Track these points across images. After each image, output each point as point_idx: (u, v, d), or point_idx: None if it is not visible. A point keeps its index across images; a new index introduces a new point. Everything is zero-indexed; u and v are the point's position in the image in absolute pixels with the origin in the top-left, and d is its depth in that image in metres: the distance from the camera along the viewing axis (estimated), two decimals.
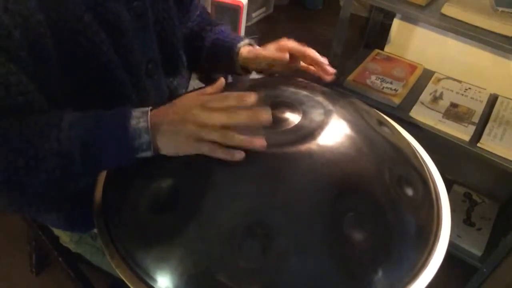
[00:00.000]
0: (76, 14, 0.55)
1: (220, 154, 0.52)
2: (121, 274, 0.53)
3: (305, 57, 0.76)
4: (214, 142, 0.52)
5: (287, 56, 0.74)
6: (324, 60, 0.75)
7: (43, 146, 0.50)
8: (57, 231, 0.85)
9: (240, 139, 0.52)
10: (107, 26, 0.59)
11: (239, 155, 0.52)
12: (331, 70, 0.75)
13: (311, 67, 0.79)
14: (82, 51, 0.57)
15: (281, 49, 0.75)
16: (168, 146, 0.53)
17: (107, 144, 0.52)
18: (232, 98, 0.54)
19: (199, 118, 0.52)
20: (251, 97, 0.54)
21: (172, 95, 0.79)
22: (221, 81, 0.58)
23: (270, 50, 0.77)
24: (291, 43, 0.76)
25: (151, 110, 0.54)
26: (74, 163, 0.51)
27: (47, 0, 0.52)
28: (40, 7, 0.51)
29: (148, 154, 0.54)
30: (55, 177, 0.51)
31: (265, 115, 0.53)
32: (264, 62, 0.78)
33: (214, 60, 0.85)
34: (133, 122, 0.52)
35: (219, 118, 0.52)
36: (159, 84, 0.74)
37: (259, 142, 0.53)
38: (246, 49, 0.80)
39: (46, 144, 0.50)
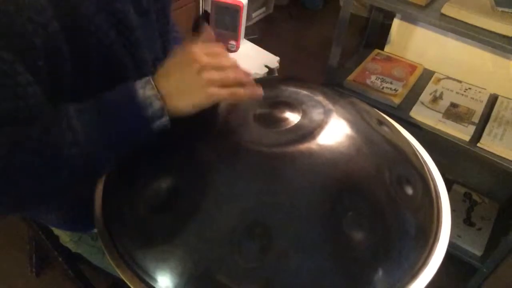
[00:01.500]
0: (88, 17, 0.55)
1: (242, 93, 0.53)
2: (121, 274, 0.53)
3: None
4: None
5: None
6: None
7: (58, 140, 0.49)
8: (57, 231, 0.85)
9: (242, 75, 0.54)
10: (117, 25, 0.59)
11: (260, 91, 0.55)
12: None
13: None
14: (95, 52, 0.57)
15: None
16: (184, 105, 0.52)
17: (123, 120, 0.51)
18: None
19: (208, 63, 0.52)
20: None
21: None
22: (208, 31, 0.60)
23: None
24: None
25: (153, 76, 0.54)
26: (94, 148, 0.50)
27: (61, 7, 0.51)
28: (55, 15, 0.51)
29: (164, 121, 0.52)
30: (78, 168, 0.50)
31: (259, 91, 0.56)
32: None
33: None
34: (140, 91, 0.51)
35: (227, 60, 0.54)
36: None
37: (258, 90, 0.56)
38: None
39: (59, 136, 0.49)
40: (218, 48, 0.56)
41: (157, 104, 0.51)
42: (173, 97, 0.52)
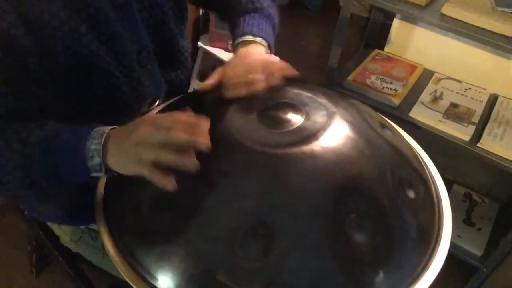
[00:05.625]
0: (51, 11, 0.56)
1: (155, 179, 0.51)
2: (122, 273, 0.53)
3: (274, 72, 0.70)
4: (156, 165, 0.51)
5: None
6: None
7: (9, 156, 0.54)
8: (57, 231, 0.85)
9: (172, 158, 0.51)
10: (89, 20, 0.59)
11: (171, 185, 0.51)
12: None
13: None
14: (63, 47, 0.58)
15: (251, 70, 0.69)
16: (118, 167, 0.54)
17: (65, 162, 0.55)
18: (180, 115, 0.54)
19: (141, 136, 0.52)
20: (201, 122, 0.53)
21: (170, 88, 0.79)
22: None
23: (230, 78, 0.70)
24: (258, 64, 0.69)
25: (113, 128, 0.55)
26: (37, 175, 0.55)
27: (21, 4, 0.53)
28: (12, 8, 0.53)
29: (100, 174, 0.55)
30: (23, 184, 0.55)
31: (205, 140, 0.52)
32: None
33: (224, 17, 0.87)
34: (88, 143, 0.53)
35: (157, 136, 0.51)
36: (154, 75, 0.74)
37: (190, 162, 0.51)
38: (238, 50, 0.75)
39: (11, 155, 0.54)
40: (174, 115, 0.54)
41: (97, 160, 0.53)
42: (112, 162, 0.54)
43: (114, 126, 0.56)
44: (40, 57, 0.57)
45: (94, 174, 0.55)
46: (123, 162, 0.53)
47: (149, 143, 0.51)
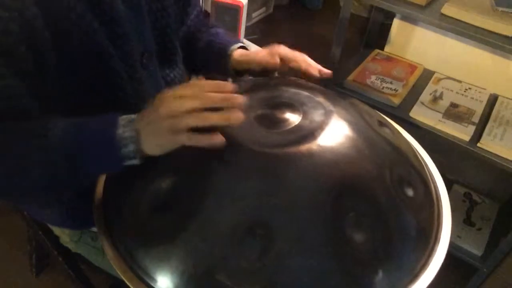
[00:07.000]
0: (69, 4, 0.55)
1: (199, 140, 0.50)
2: (121, 274, 0.53)
3: (296, 62, 0.75)
4: (193, 130, 0.51)
5: (278, 61, 0.74)
6: (315, 65, 0.75)
7: (30, 154, 0.52)
8: (57, 231, 0.85)
9: (216, 116, 0.50)
10: (102, 17, 0.59)
11: (219, 140, 0.51)
12: (326, 71, 0.75)
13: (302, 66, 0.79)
14: (77, 42, 0.57)
15: (273, 55, 0.75)
16: (152, 148, 0.53)
17: (93, 153, 0.53)
18: (204, 83, 0.53)
19: (172, 107, 0.51)
20: (226, 85, 0.53)
21: (168, 88, 0.80)
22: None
23: (262, 55, 0.76)
24: (282, 49, 0.76)
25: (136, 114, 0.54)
26: (61, 171, 0.52)
27: None
28: (34, 0, 0.52)
29: (135, 162, 0.53)
30: (43, 183, 0.53)
31: (239, 99, 0.52)
32: (257, 67, 0.78)
33: (208, 62, 0.85)
34: (119, 131, 0.52)
35: (190, 103, 0.51)
36: (155, 76, 0.74)
37: (235, 116, 0.51)
38: (238, 52, 0.79)
39: (33, 153, 0.52)
40: (198, 83, 0.54)
41: (131, 147, 0.52)
42: (147, 145, 0.52)
43: (136, 114, 0.54)
44: (56, 53, 0.56)
45: (127, 163, 0.53)
46: (159, 141, 0.52)
47: (181, 111, 0.50)
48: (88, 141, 0.53)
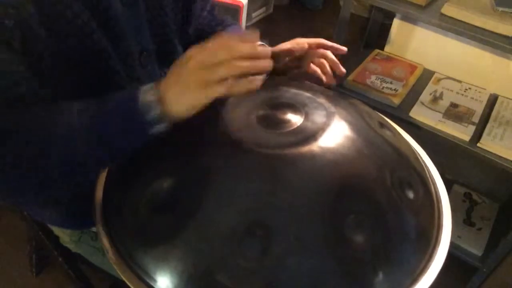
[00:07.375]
0: (65, 3, 0.55)
1: (240, 87, 0.50)
2: (121, 274, 0.53)
3: (323, 46, 0.78)
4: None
5: (306, 45, 0.77)
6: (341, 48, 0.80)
7: (55, 131, 0.51)
8: (57, 231, 0.85)
9: (249, 63, 0.50)
10: (99, 16, 0.59)
11: (259, 82, 0.51)
12: (342, 70, 0.77)
13: (318, 71, 0.80)
14: (74, 41, 0.57)
15: (298, 43, 0.78)
16: (182, 107, 0.51)
17: (117, 122, 0.51)
18: (231, 36, 0.52)
19: (201, 60, 0.50)
20: (252, 34, 0.53)
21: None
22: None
23: (287, 44, 0.78)
24: (305, 39, 0.78)
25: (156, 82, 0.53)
26: (82, 150, 0.51)
27: None
28: (32, 3, 0.52)
29: (162, 126, 0.51)
30: (68, 162, 0.51)
31: (266, 50, 0.52)
32: (283, 55, 0.79)
33: None
34: (142, 96, 0.51)
35: (221, 54, 0.50)
36: (154, 75, 0.74)
37: (264, 63, 0.52)
38: None
39: (58, 129, 0.50)
40: (224, 36, 0.52)
41: (157, 110, 0.50)
42: (175, 105, 0.51)
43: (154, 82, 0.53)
44: (52, 51, 0.55)
45: (155, 129, 0.51)
46: (189, 97, 0.50)
47: (212, 62, 0.49)
48: (112, 112, 0.51)
